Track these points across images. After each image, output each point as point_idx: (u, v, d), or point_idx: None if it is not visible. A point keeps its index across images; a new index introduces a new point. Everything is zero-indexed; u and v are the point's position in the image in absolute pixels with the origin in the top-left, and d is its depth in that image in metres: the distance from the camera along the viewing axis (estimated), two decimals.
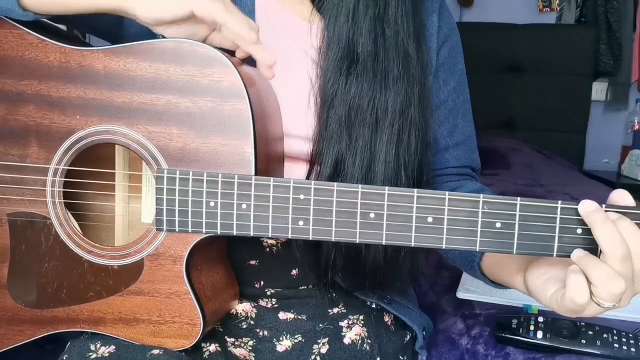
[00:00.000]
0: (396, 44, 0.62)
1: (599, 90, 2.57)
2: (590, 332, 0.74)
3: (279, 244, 0.71)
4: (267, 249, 0.71)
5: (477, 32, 2.37)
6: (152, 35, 0.61)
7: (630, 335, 0.74)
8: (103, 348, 0.61)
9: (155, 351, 0.61)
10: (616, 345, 0.72)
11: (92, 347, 0.61)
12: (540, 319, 0.76)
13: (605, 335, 0.73)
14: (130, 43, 0.59)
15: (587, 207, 0.49)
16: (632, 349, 0.72)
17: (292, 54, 0.67)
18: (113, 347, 0.61)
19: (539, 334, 0.74)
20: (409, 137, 0.63)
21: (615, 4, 2.41)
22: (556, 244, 0.52)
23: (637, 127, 2.28)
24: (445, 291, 0.91)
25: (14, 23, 0.61)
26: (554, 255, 0.52)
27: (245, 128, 0.58)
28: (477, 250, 0.53)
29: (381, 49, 0.62)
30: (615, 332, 0.74)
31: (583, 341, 0.73)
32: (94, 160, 0.66)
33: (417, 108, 0.63)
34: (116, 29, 0.69)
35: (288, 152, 0.68)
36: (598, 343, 0.72)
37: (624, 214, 0.50)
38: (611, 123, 2.58)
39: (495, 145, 1.64)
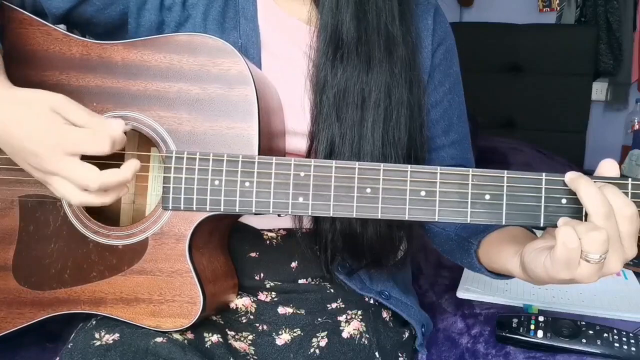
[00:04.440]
0: (378, 28, 0.66)
1: (599, 90, 2.56)
2: (591, 332, 0.74)
3: (279, 237, 0.73)
4: (268, 242, 0.73)
5: (477, 32, 2.39)
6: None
7: (631, 334, 0.74)
8: (107, 336, 0.61)
9: (159, 339, 0.61)
10: (617, 344, 0.73)
11: (97, 335, 0.62)
12: (541, 319, 0.76)
13: (605, 335, 0.74)
14: (148, 37, 0.65)
15: (572, 175, 0.53)
16: (633, 349, 0.72)
17: (293, 56, 0.72)
18: (117, 334, 0.62)
19: (540, 333, 0.75)
20: (398, 116, 0.66)
21: (615, 4, 2.38)
22: (542, 214, 0.55)
23: (637, 127, 2.24)
24: (445, 291, 0.91)
25: (42, 21, 0.67)
26: (542, 224, 0.55)
27: (250, 112, 0.62)
28: (469, 222, 0.56)
29: (364, 33, 0.66)
30: (615, 331, 0.74)
31: (583, 340, 0.73)
32: None
33: (406, 89, 0.67)
34: (119, 32, 0.74)
35: (289, 149, 0.72)
36: (598, 342, 0.73)
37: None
38: (611, 123, 2.57)
39: (495, 145, 1.66)
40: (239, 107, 0.62)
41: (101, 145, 0.54)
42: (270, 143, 0.66)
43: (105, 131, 0.55)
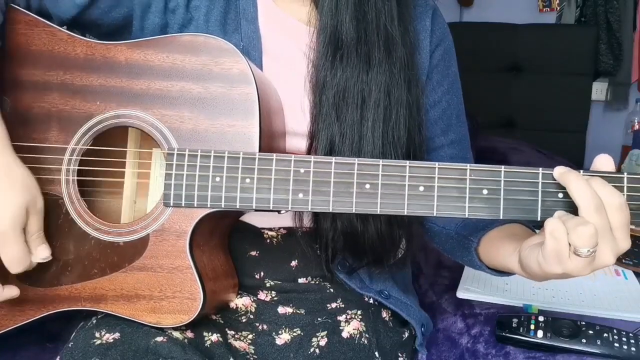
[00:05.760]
0: (377, 28, 0.67)
1: (599, 90, 2.57)
2: (591, 332, 0.74)
3: (279, 236, 0.74)
4: (268, 240, 0.74)
5: (477, 32, 2.41)
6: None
7: (631, 334, 0.74)
8: (108, 335, 0.62)
9: (159, 338, 0.62)
10: (616, 344, 0.73)
11: (97, 334, 0.62)
12: (541, 319, 0.76)
13: (605, 335, 0.74)
14: (152, 37, 0.66)
15: (560, 170, 0.54)
16: (633, 349, 0.72)
17: (293, 57, 0.73)
18: (118, 334, 0.62)
19: (540, 333, 0.75)
20: (398, 116, 0.67)
21: (615, 4, 2.39)
22: (539, 208, 0.55)
23: (637, 127, 2.25)
24: (445, 291, 0.92)
25: (48, 22, 0.69)
26: (539, 218, 0.55)
27: (251, 110, 0.63)
28: (467, 216, 0.56)
29: (363, 33, 0.67)
30: (615, 331, 0.74)
31: (583, 340, 0.73)
32: (109, 146, 0.70)
33: (404, 88, 0.68)
34: (121, 33, 0.75)
35: (289, 149, 0.73)
36: (598, 342, 0.73)
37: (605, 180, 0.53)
38: (611, 123, 2.57)
39: (495, 145, 1.67)
40: (240, 106, 0.63)
41: (14, 268, 0.62)
42: (270, 143, 0.66)
43: (27, 261, 0.62)
